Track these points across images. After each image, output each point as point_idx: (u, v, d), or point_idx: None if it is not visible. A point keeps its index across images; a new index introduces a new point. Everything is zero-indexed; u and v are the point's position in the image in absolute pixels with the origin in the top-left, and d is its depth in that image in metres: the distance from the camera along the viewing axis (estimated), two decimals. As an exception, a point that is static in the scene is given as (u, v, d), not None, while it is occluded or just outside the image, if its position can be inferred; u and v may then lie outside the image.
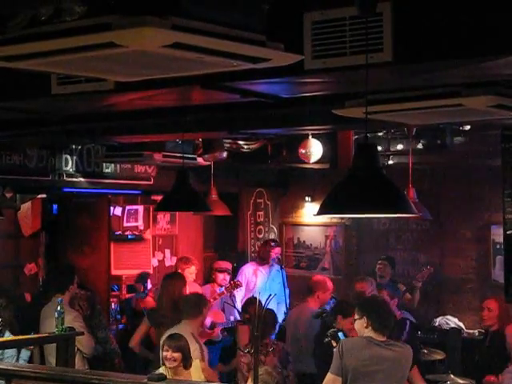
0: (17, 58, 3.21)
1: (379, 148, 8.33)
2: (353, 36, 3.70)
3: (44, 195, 9.63)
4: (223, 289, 9.65)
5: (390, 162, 9.45)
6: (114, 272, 10.07)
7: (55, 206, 10.12)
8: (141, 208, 11.05)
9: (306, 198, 11.35)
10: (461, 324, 9.87)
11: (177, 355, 6.29)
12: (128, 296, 10.37)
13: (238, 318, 9.18)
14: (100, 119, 6.41)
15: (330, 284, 8.73)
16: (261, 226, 11.77)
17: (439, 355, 7.90)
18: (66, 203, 10.00)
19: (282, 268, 9.96)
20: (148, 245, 11.07)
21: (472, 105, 4.70)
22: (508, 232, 7.85)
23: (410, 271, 10.42)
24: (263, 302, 5.69)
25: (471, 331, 9.64)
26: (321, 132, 7.95)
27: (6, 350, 7.13)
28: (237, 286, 9.61)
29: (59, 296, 7.12)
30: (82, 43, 2.95)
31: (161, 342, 6.58)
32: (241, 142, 8.66)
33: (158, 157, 8.52)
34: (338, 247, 11.32)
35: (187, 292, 8.43)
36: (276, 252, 10.17)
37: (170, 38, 2.87)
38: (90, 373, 6.03)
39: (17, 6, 2.93)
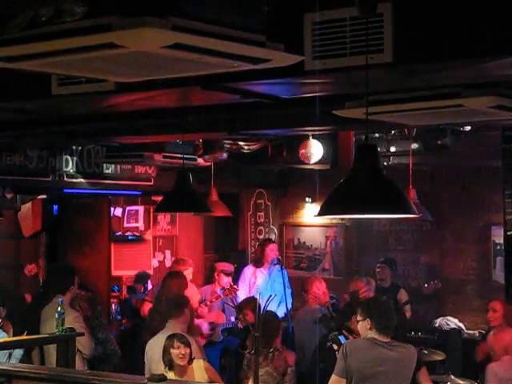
0: (17, 59, 3.21)
1: (379, 149, 8.33)
2: (353, 37, 3.70)
3: (44, 196, 9.63)
4: (221, 292, 9.66)
5: (391, 163, 9.45)
6: (114, 273, 10.07)
7: (55, 207, 10.11)
8: (141, 209, 11.05)
9: (307, 199, 11.35)
10: (461, 325, 9.88)
11: (188, 350, 6.38)
12: (127, 296, 10.37)
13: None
14: (100, 120, 6.41)
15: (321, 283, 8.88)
16: (261, 227, 11.77)
17: (439, 356, 7.89)
18: (67, 204, 9.99)
19: (282, 268, 9.96)
20: (148, 245, 11.08)
21: (472, 105, 4.70)
22: (508, 233, 7.84)
23: (411, 272, 10.42)
24: (264, 303, 5.70)
25: (471, 332, 9.64)
26: (321, 133, 7.95)
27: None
28: (234, 290, 9.63)
29: (59, 297, 7.11)
30: (83, 44, 2.95)
31: (164, 345, 6.56)
32: (241, 143, 8.66)
33: (158, 157, 8.52)
34: (338, 248, 11.32)
35: (186, 292, 8.44)
36: (271, 249, 10.16)
37: (170, 38, 2.87)
38: (91, 373, 6.03)
39: (17, 6, 2.93)
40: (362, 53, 3.64)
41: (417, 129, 7.71)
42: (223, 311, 9.71)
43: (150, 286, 10.54)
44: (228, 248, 11.73)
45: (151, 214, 11.03)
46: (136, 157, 8.67)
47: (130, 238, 10.93)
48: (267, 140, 8.72)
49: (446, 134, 7.81)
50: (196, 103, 5.69)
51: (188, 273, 9.40)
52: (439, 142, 7.91)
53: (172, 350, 6.40)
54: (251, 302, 8.11)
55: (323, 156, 8.49)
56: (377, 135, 8.48)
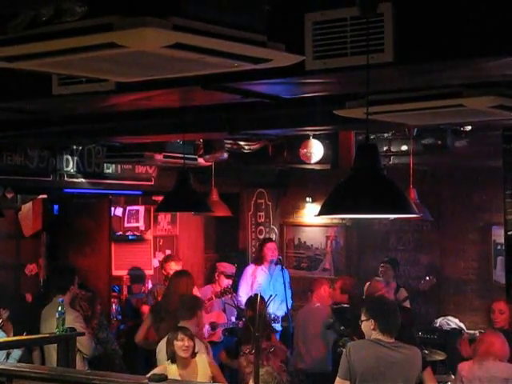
0: (18, 59, 3.21)
1: (380, 149, 8.34)
2: (354, 36, 3.70)
3: (45, 196, 9.63)
4: (217, 293, 9.65)
5: (391, 163, 9.45)
6: (114, 272, 10.07)
7: (56, 207, 10.12)
8: (141, 208, 11.05)
9: (307, 199, 11.35)
10: (462, 325, 9.87)
11: (192, 343, 6.39)
12: (129, 296, 10.38)
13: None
14: (101, 120, 6.41)
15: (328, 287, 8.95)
16: (261, 227, 11.77)
17: (440, 356, 7.90)
18: (67, 204, 10.00)
19: (283, 268, 9.97)
20: (149, 245, 11.08)
21: (473, 105, 4.70)
22: (509, 233, 7.83)
23: (411, 272, 10.42)
24: (265, 301, 5.71)
25: (472, 332, 9.63)
26: (322, 132, 7.96)
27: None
28: (226, 292, 9.63)
29: (60, 296, 7.11)
30: (83, 44, 2.95)
31: (167, 337, 6.58)
32: (242, 143, 8.66)
33: (158, 157, 8.53)
34: (338, 248, 11.32)
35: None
36: (269, 247, 10.17)
37: (171, 38, 2.87)
38: (91, 373, 6.03)
39: (17, 6, 2.93)
40: (362, 53, 3.64)
41: (417, 129, 7.71)
42: (224, 311, 9.71)
43: (150, 286, 10.55)
44: (228, 248, 11.73)
45: (152, 214, 11.03)
46: (136, 157, 8.68)
47: (130, 237, 10.93)
48: (268, 140, 8.72)
49: (447, 133, 7.81)
50: (196, 103, 5.69)
51: (177, 268, 9.37)
52: (440, 142, 7.91)
53: (175, 342, 6.42)
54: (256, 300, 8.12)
55: (324, 156, 8.50)
56: (377, 135, 8.49)
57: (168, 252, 11.23)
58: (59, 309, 6.56)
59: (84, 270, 9.06)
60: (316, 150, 8.38)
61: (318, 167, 9.16)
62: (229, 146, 8.67)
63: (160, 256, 11.17)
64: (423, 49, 3.66)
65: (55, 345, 6.73)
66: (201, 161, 8.89)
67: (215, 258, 11.19)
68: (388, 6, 3.62)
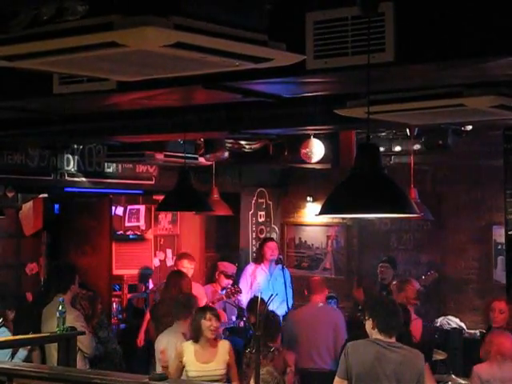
0: (19, 58, 3.21)
1: (381, 148, 8.34)
2: (355, 36, 3.70)
3: (45, 195, 9.64)
4: (223, 293, 9.63)
5: (392, 163, 9.46)
6: (115, 272, 10.07)
7: (57, 206, 10.12)
8: (142, 208, 11.05)
9: (308, 198, 11.35)
10: (462, 324, 9.87)
11: (218, 324, 6.55)
12: (130, 296, 10.37)
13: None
14: (102, 119, 6.42)
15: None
16: (262, 226, 11.77)
17: (440, 355, 7.90)
18: (68, 203, 10.00)
19: (283, 268, 9.96)
20: (149, 245, 11.07)
21: (474, 105, 4.70)
22: (510, 232, 7.86)
23: (412, 271, 10.42)
24: (265, 302, 5.70)
25: (472, 331, 9.63)
26: (322, 132, 7.95)
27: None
28: (237, 292, 9.61)
29: (60, 296, 7.10)
30: (84, 43, 2.95)
31: (195, 316, 6.67)
32: (242, 142, 8.66)
33: (159, 156, 8.53)
34: (339, 247, 11.32)
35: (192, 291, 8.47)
36: (268, 246, 10.16)
37: (172, 37, 2.87)
38: (92, 372, 6.02)
39: (19, 5, 2.93)
40: (363, 52, 3.64)
41: (418, 128, 7.71)
42: (224, 310, 9.70)
43: (151, 285, 10.55)
44: (229, 247, 11.73)
45: (152, 213, 11.02)
46: (137, 156, 8.68)
47: (131, 237, 10.93)
48: (268, 139, 8.72)
49: (448, 133, 7.81)
50: (197, 102, 5.69)
51: (191, 267, 9.38)
52: (440, 142, 7.91)
53: (203, 321, 6.51)
54: (256, 301, 8.09)
55: (324, 155, 8.49)
56: (378, 134, 8.49)
57: (169, 251, 11.25)
58: (60, 308, 6.55)
59: (85, 269, 9.06)
60: (317, 150, 8.37)
61: (318, 167, 9.16)
62: (230, 145, 8.67)
63: (161, 255, 11.18)
64: (424, 48, 3.66)
65: (56, 344, 6.73)
66: (202, 160, 8.89)
67: (216, 258, 11.19)
68: (389, 5, 3.62)
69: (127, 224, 11.00)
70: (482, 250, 10.15)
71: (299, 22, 3.83)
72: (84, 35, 2.88)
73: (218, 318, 6.58)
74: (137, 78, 3.71)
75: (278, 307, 9.32)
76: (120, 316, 10.18)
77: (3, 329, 7.24)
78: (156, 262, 11.09)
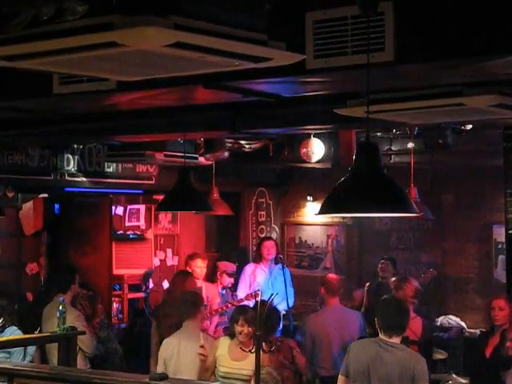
0: (18, 58, 3.21)
1: (381, 147, 8.33)
2: (354, 35, 3.70)
3: (46, 195, 9.64)
4: (243, 297, 9.55)
5: (392, 162, 9.45)
6: (115, 271, 10.07)
7: (57, 206, 10.12)
8: (142, 207, 11.05)
9: (308, 198, 11.35)
10: (462, 323, 9.87)
11: (250, 330, 6.27)
12: (131, 296, 10.36)
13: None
14: (102, 119, 6.42)
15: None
16: (262, 226, 11.78)
17: (441, 355, 7.90)
18: (68, 203, 10.00)
19: (283, 267, 9.97)
20: (149, 244, 11.07)
21: (473, 104, 4.70)
22: (510, 231, 7.85)
23: (412, 271, 10.42)
24: (265, 301, 5.70)
25: (473, 331, 9.63)
26: (322, 131, 7.95)
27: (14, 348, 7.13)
28: (257, 295, 9.52)
29: (61, 295, 7.12)
30: (84, 43, 2.95)
31: (233, 314, 6.62)
32: (242, 142, 8.67)
33: (159, 156, 8.53)
34: (339, 246, 11.32)
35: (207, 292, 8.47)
36: (265, 245, 10.15)
37: (172, 37, 2.87)
38: (92, 372, 6.04)
39: (18, 5, 2.93)
40: (363, 51, 3.64)
41: (418, 127, 7.71)
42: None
43: (151, 285, 10.55)
44: (229, 247, 11.73)
45: (152, 213, 11.02)
46: (137, 155, 8.68)
47: (131, 236, 10.92)
48: (268, 139, 8.72)
49: (447, 132, 7.81)
50: (197, 102, 5.69)
51: (204, 267, 9.35)
52: (440, 141, 7.91)
53: (236, 326, 6.44)
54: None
55: (324, 155, 8.50)
56: (378, 134, 8.49)
57: (169, 250, 11.25)
58: (60, 308, 6.56)
59: (85, 269, 9.07)
60: (317, 149, 8.38)
61: (318, 166, 9.16)
62: (229, 144, 8.67)
63: (161, 255, 11.17)
64: (424, 48, 3.66)
65: (56, 344, 6.73)
66: (202, 160, 8.89)
67: (216, 257, 11.19)
68: (389, 4, 3.62)
69: (127, 224, 11.00)
70: (482, 249, 10.15)
71: (299, 21, 3.83)
72: (84, 35, 2.88)
73: (249, 323, 6.33)
74: (137, 77, 3.71)
75: (278, 306, 9.32)
76: (120, 315, 10.17)
77: (14, 328, 7.24)
78: (156, 262, 11.09)
